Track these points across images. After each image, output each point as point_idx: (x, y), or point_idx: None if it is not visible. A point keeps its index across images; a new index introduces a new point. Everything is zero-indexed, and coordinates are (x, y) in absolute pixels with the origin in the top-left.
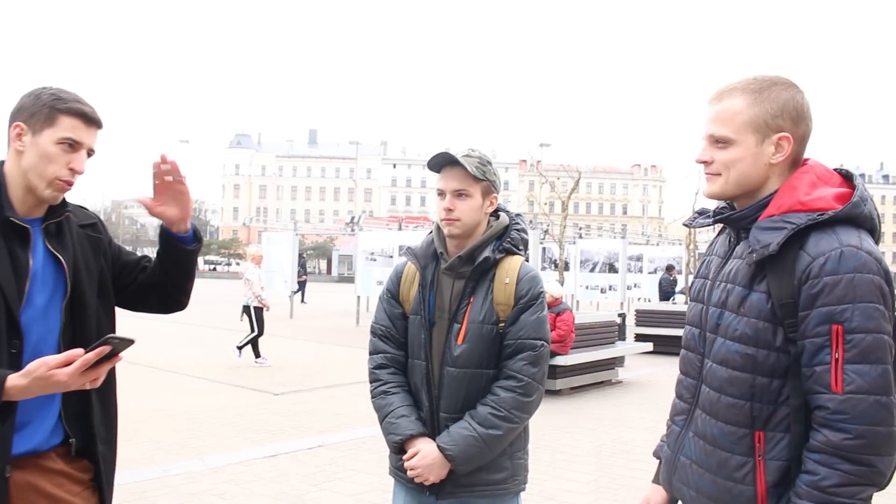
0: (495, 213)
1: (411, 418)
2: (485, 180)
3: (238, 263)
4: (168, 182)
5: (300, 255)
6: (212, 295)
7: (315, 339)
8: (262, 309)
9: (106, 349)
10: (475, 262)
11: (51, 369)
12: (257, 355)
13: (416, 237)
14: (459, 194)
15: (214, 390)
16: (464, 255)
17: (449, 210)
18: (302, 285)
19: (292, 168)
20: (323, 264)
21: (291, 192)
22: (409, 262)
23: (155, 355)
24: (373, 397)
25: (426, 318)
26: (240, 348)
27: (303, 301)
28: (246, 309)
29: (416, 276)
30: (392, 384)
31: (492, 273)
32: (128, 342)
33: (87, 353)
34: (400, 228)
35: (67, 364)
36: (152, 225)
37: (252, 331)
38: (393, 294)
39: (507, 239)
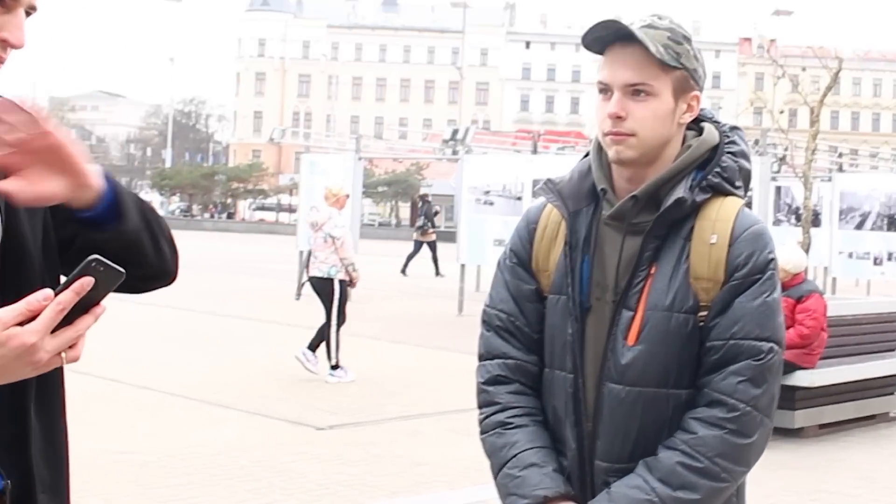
0: (696, 125)
1: (547, 469)
2: (679, 68)
3: (261, 205)
4: (23, 145)
5: (423, 198)
6: (224, 260)
7: (388, 337)
8: (346, 284)
9: (88, 282)
10: (661, 208)
11: (6, 327)
12: (334, 365)
13: (562, 165)
14: (636, 91)
15: (221, 419)
16: (642, 193)
17: (618, 118)
18: (427, 250)
19: (354, 47)
20: (403, 210)
21: (352, 89)
22: (547, 207)
23: (132, 364)
24: (483, 432)
25: (575, 301)
26: (313, 349)
27: (438, 273)
28: (320, 284)
29: (559, 230)
30: (516, 411)
31: (688, 226)
32: (116, 273)
33: (58, 293)
34: (535, 150)
35: (31, 317)
36: (116, 140)
37: (328, 320)
38: (521, 259)
39: (715, 169)
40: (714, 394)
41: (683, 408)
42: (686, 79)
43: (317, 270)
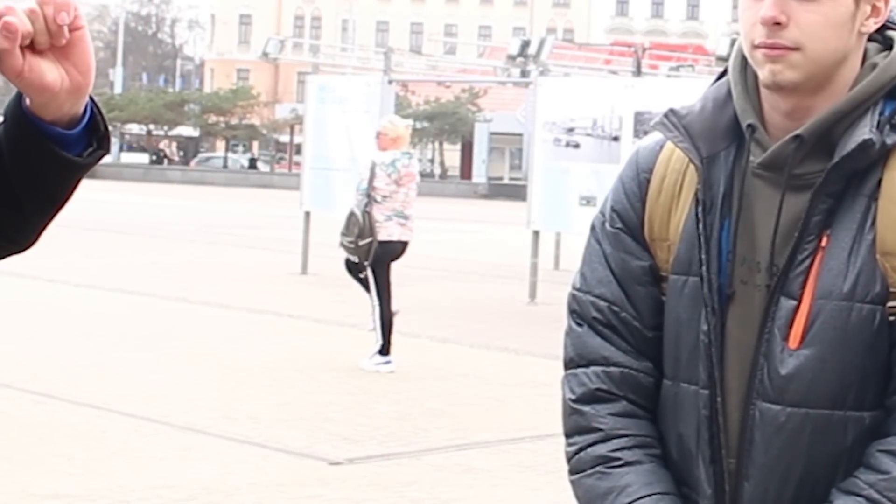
0: (881, 36)
1: None
2: None
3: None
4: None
5: None
6: (199, 225)
7: (430, 334)
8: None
9: None
10: (836, 153)
11: None
12: (384, 349)
13: (676, 92)
14: None
15: (196, 450)
16: (808, 133)
17: (775, 25)
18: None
19: None
20: (451, 155)
21: None
22: (666, 148)
23: (69, 373)
24: (575, 472)
25: (712, 285)
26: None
27: None
28: (389, 250)
29: (685, 182)
30: (624, 441)
31: (873, 179)
32: None
33: None
34: (638, 71)
35: None
36: None
37: (375, 294)
38: (627, 223)
39: None
40: None
41: (867, 436)
42: None
43: (381, 230)
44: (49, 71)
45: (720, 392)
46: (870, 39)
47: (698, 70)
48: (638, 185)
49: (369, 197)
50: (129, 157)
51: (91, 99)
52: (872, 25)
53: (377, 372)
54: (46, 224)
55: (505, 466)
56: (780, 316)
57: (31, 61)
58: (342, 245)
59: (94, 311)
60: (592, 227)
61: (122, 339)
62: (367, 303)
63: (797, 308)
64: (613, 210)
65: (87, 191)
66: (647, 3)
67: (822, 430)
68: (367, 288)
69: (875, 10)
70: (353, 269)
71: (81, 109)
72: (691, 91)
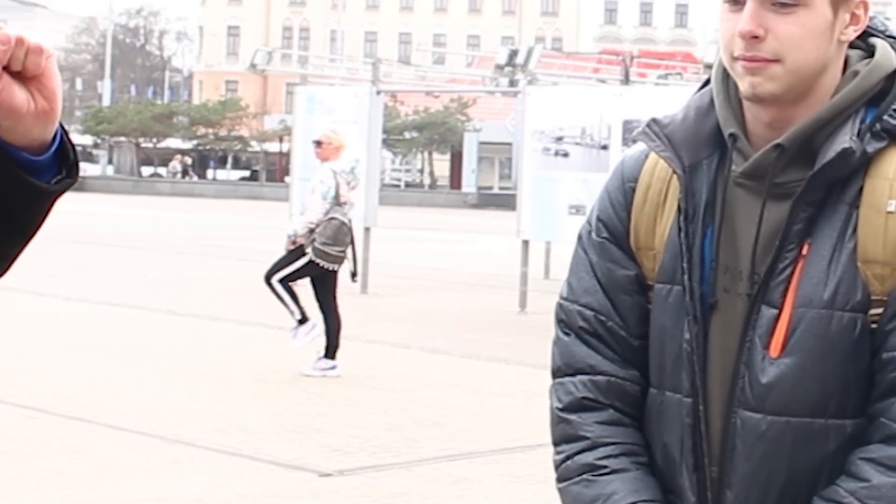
0: (863, 42)
1: None
2: None
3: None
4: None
5: None
6: (189, 237)
7: (420, 344)
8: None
9: None
10: (817, 162)
11: None
12: (328, 352)
13: (664, 100)
14: (778, 2)
15: (185, 462)
16: (790, 141)
17: (753, 38)
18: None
19: None
20: (441, 165)
21: None
22: (651, 158)
23: (59, 387)
24: (563, 479)
25: (694, 294)
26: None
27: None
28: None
29: (669, 191)
30: (611, 449)
31: (854, 187)
32: None
33: None
34: (626, 80)
35: None
36: None
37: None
38: (613, 232)
39: (894, 106)
40: (893, 425)
41: (849, 444)
42: None
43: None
44: (18, 93)
45: (703, 400)
46: (852, 46)
47: (687, 78)
48: (623, 194)
49: (340, 205)
50: (148, 173)
51: (61, 126)
52: (852, 33)
53: (324, 377)
54: (17, 253)
55: (496, 477)
56: (760, 324)
57: (6, 80)
58: (331, 256)
59: (84, 324)
60: (579, 237)
61: (112, 352)
62: (298, 313)
63: (778, 316)
64: (599, 219)
65: (77, 203)
66: (635, 11)
67: (804, 439)
68: (284, 299)
69: (854, 18)
70: (296, 279)
71: (50, 136)
72: (680, 99)
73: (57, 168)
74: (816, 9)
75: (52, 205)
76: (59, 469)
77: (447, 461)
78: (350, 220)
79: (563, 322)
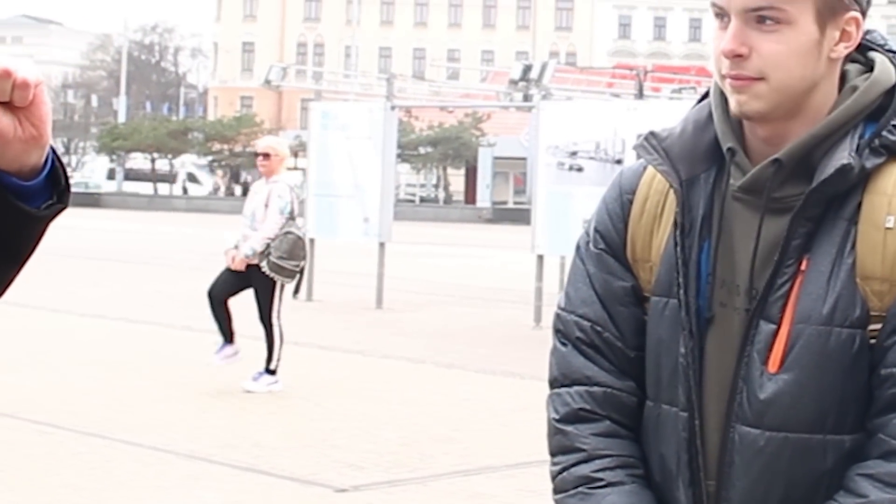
0: (863, 56)
1: None
2: None
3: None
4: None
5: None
6: (203, 252)
7: (435, 359)
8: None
9: None
10: (815, 177)
11: None
12: (268, 367)
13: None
14: (761, 17)
15: (199, 478)
16: (787, 157)
17: (737, 57)
18: None
19: None
20: (456, 180)
21: (382, 9)
22: (649, 170)
23: (74, 403)
24: (559, 491)
25: (690, 308)
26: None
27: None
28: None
29: (667, 204)
30: (607, 461)
31: (853, 203)
32: None
33: None
34: (640, 94)
35: None
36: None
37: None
38: (610, 244)
39: (893, 122)
40: (891, 441)
41: (847, 460)
42: None
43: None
44: (3, 118)
45: (698, 415)
46: (852, 60)
47: (700, 92)
48: (621, 206)
49: (293, 219)
50: (196, 190)
51: (53, 151)
52: (843, 50)
53: (270, 392)
54: (10, 279)
55: (511, 492)
56: (759, 340)
57: None
58: (286, 270)
59: (99, 340)
60: (577, 247)
61: (126, 368)
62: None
63: (776, 332)
64: (597, 230)
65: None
66: (649, 26)
67: (802, 454)
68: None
69: (845, 35)
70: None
71: (40, 161)
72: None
73: (48, 193)
74: (800, 27)
75: (43, 230)
76: (74, 485)
77: (462, 476)
78: (304, 234)
79: (561, 332)
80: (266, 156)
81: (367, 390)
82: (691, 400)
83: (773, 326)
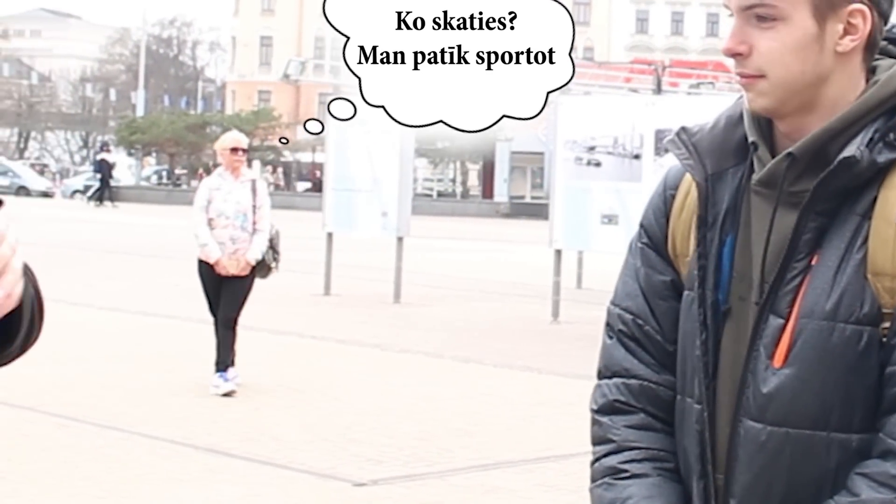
0: (872, 52)
1: None
2: None
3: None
4: None
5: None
6: None
7: (452, 354)
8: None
9: None
10: (824, 170)
11: None
12: (220, 365)
13: (696, 109)
14: (759, 17)
15: (219, 472)
16: (801, 150)
17: (737, 55)
18: None
19: None
20: (473, 174)
21: None
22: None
23: (92, 396)
24: (591, 482)
25: (706, 301)
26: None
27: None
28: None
29: (694, 199)
30: (635, 454)
31: (868, 198)
32: None
33: None
34: (658, 89)
35: None
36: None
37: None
38: (653, 239)
39: None
40: (888, 441)
41: (855, 459)
42: None
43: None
44: None
45: (710, 408)
46: (887, 55)
47: (719, 87)
48: (664, 201)
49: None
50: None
51: (37, 291)
52: (850, 44)
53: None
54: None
55: (529, 486)
56: (766, 334)
57: None
58: (268, 267)
59: (118, 333)
60: (630, 242)
61: (145, 361)
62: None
63: (784, 326)
64: (642, 226)
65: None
66: (666, 21)
67: (804, 451)
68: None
69: (850, 28)
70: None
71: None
72: (712, 108)
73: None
74: (795, 22)
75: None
76: (93, 478)
77: (480, 471)
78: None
79: (609, 325)
80: (244, 150)
81: (385, 384)
82: (705, 392)
83: (781, 321)
